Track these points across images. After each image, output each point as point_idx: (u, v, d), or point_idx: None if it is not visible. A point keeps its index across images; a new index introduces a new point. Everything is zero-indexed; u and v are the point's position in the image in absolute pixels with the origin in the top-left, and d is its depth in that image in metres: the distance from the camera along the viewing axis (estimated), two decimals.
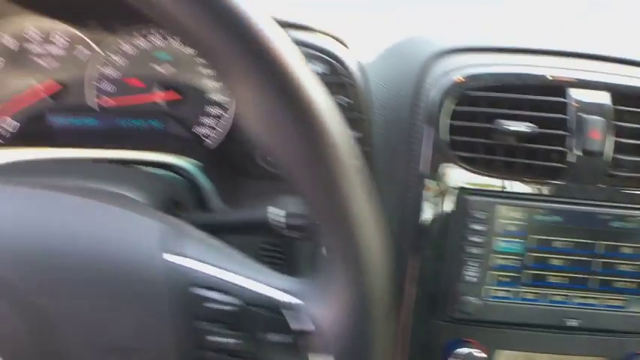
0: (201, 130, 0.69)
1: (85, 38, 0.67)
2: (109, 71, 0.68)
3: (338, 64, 0.64)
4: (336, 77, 0.64)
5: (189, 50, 0.68)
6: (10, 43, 0.67)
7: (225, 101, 0.69)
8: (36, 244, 0.27)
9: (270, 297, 0.30)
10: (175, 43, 0.68)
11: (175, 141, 0.68)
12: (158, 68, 0.68)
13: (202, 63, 0.68)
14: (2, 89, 0.67)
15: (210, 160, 0.67)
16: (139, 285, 0.28)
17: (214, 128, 0.69)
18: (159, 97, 0.68)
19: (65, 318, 0.26)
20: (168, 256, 0.29)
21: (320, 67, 0.65)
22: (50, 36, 0.67)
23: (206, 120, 0.69)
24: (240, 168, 0.68)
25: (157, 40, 0.68)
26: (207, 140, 0.69)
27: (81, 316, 0.26)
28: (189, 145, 0.68)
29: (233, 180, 0.68)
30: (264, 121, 0.25)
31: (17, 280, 0.25)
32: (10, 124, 0.68)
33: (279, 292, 0.31)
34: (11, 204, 0.29)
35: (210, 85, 0.69)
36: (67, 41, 0.67)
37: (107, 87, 0.68)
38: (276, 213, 0.46)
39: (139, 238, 0.29)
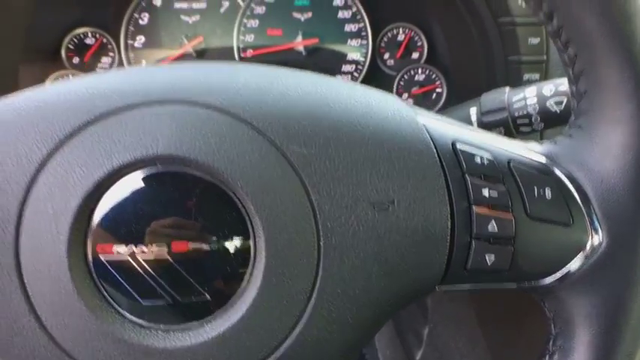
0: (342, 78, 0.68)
1: None
2: (249, 22, 0.67)
3: None
4: None
5: None
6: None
7: (365, 47, 0.67)
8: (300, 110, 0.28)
9: (531, 157, 0.31)
10: None
11: None
12: (297, 15, 0.67)
13: (341, 6, 0.66)
14: (154, 51, 0.69)
15: None
16: (403, 143, 0.28)
17: (355, 75, 0.68)
18: (298, 44, 0.67)
19: (320, 170, 0.27)
20: (422, 119, 0.30)
21: None
22: None
23: (346, 67, 0.68)
24: None
25: None
26: None
27: (339, 172, 0.27)
28: None
29: None
30: None
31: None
32: None
33: (538, 154, 0.31)
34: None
35: (350, 29, 0.67)
36: None
37: (247, 37, 0.68)
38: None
39: (393, 103, 0.30)
